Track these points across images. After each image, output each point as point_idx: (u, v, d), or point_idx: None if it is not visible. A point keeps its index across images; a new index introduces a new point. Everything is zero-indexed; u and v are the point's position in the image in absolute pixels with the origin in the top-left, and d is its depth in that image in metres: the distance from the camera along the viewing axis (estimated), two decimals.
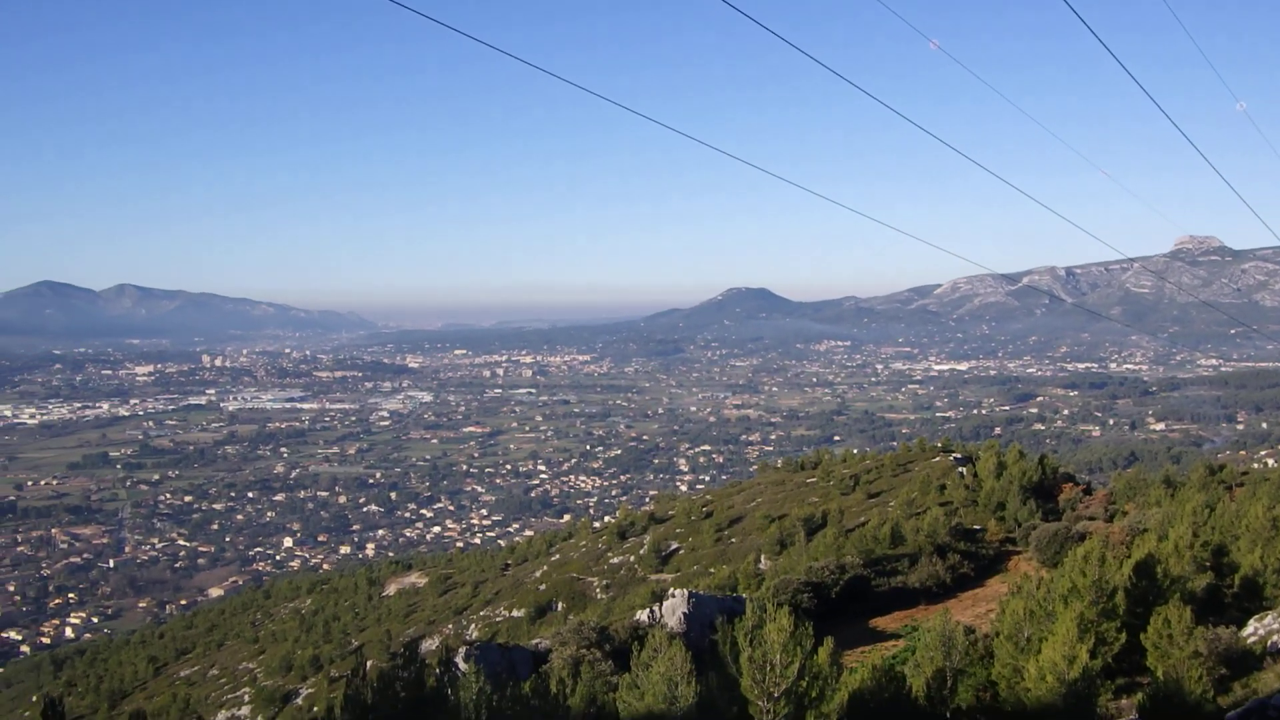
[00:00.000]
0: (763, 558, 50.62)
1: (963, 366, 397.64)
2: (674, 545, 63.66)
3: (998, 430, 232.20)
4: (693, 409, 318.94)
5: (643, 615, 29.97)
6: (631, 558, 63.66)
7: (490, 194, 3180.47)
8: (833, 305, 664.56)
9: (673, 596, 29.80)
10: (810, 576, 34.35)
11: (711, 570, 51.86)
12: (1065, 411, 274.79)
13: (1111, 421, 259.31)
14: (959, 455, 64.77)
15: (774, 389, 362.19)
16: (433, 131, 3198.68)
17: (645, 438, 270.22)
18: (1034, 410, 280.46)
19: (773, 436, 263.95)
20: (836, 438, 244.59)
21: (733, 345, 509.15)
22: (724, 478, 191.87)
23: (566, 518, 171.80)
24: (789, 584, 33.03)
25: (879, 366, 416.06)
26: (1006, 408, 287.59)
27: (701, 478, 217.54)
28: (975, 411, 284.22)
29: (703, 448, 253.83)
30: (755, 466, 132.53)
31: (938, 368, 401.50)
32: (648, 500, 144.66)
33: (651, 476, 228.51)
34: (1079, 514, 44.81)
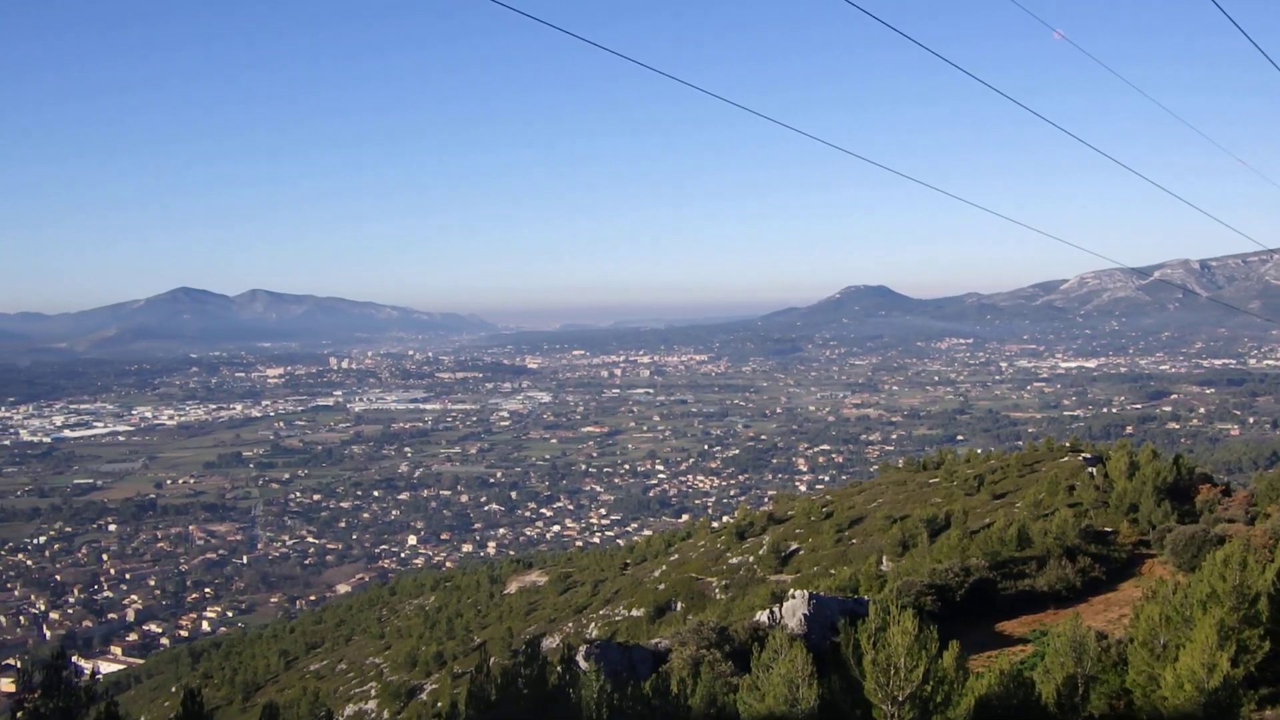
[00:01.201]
0: (884, 559, 49.85)
1: (1091, 364, 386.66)
2: (793, 546, 63.10)
3: (1129, 429, 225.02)
4: (811, 408, 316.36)
5: (762, 616, 29.77)
6: (750, 558, 63.25)
7: (609, 194, 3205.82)
8: (954, 302, 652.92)
9: (793, 597, 29.54)
10: (934, 579, 33.71)
11: (832, 571, 51.22)
12: (1201, 410, 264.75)
13: (1251, 420, 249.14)
14: (1088, 455, 62.78)
15: (894, 388, 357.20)
16: (551, 133, 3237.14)
17: (763, 437, 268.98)
18: (1167, 409, 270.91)
19: (893, 436, 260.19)
20: (959, 437, 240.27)
21: (851, 343, 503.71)
22: (844, 478, 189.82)
23: (685, 517, 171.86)
24: (912, 586, 32.47)
25: (1003, 364, 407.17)
26: (1138, 406, 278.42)
27: (821, 478, 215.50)
28: (1105, 410, 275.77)
29: (822, 447, 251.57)
30: (876, 466, 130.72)
31: (1065, 365, 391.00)
32: (766, 500, 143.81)
33: (770, 476, 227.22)
34: (1217, 516, 43.07)
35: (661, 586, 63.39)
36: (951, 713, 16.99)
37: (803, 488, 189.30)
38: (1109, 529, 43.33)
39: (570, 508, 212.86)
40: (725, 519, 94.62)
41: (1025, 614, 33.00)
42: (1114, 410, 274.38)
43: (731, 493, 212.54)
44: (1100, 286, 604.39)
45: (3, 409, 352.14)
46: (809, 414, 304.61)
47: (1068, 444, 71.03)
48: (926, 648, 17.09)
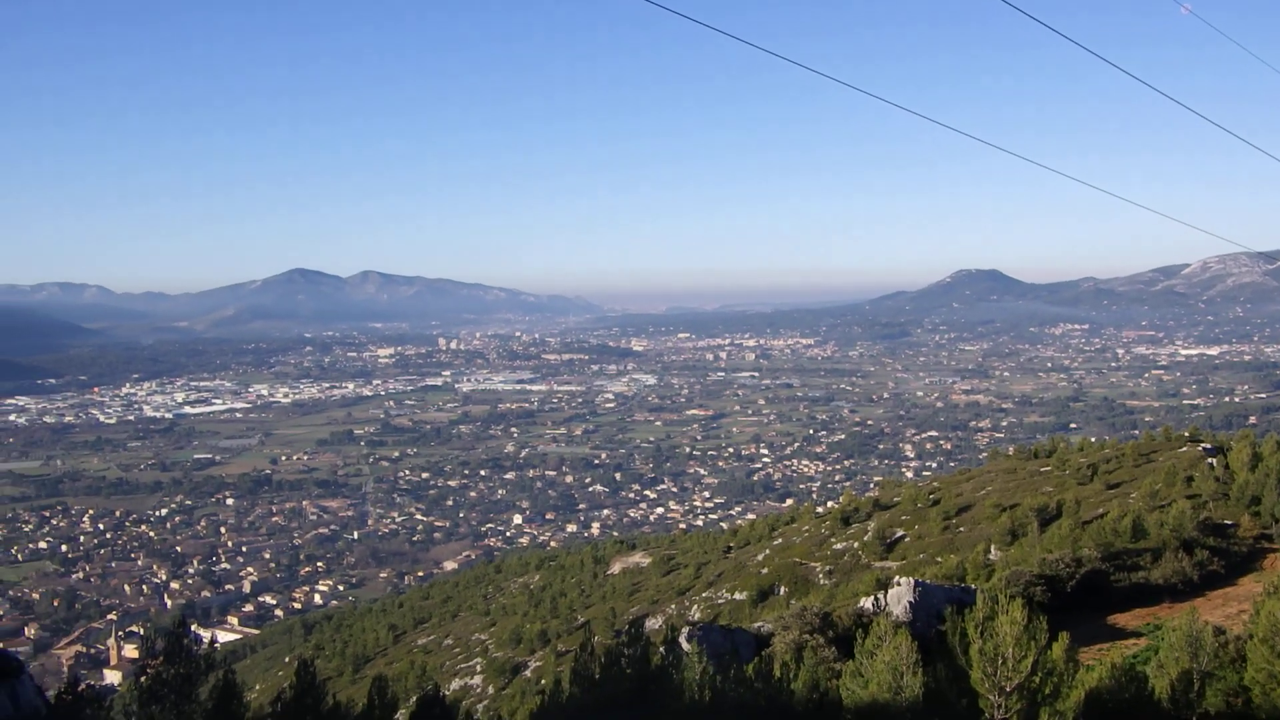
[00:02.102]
0: (992, 548, 49.01)
1: (1213, 351, 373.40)
2: (899, 532, 62.37)
3: (1252, 419, 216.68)
4: (919, 394, 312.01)
5: (867, 603, 29.56)
6: (855, 544, 62.69)
7: (714, 178, 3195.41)
8: (1069, 286, 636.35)
9: (898, 584, 29.27)
10: (1044, 569, 33.08)
11: (938, 559, 50.58)
12: None
13: None
14: (1208, 445, 60.83)
15: (1005, 374, 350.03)
16: (657, 117, 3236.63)
17: (870, 422, 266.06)
18: None
19: (1004, 423, 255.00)
20: (1073, 425, 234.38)
21: (961, 329, 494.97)
22: (951, 465, 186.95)
23: (789, 502, 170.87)
24: (1021, 576, 31.91)
25: (1120, 351, 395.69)
26: (1263, 395, 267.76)
27: (928, 464, 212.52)
28: (1227, 399, 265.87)
29: (929, 433, 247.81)
30: (985, 454, 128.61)
31: (1185, 352, 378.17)
32: (872, 486, 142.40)
33: (876, 462, 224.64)
34: None
35: (765, 570, 63.27)
36: (1060, 705, 16.68)
37: (909, 474, 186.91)
38: (1229, 522, 42.01)
39: (674, 490, 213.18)
40: (830, 504, 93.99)
41: (1138, 607, 32.20)
42: (1236, 400, 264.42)
43: (836, 478, 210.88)
44: (1224, 271, 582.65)
45: (128, 385, 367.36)
46: (917, 399, 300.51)
47: (1187, 434, 68.99)
48: (1035, 638, 16.83)
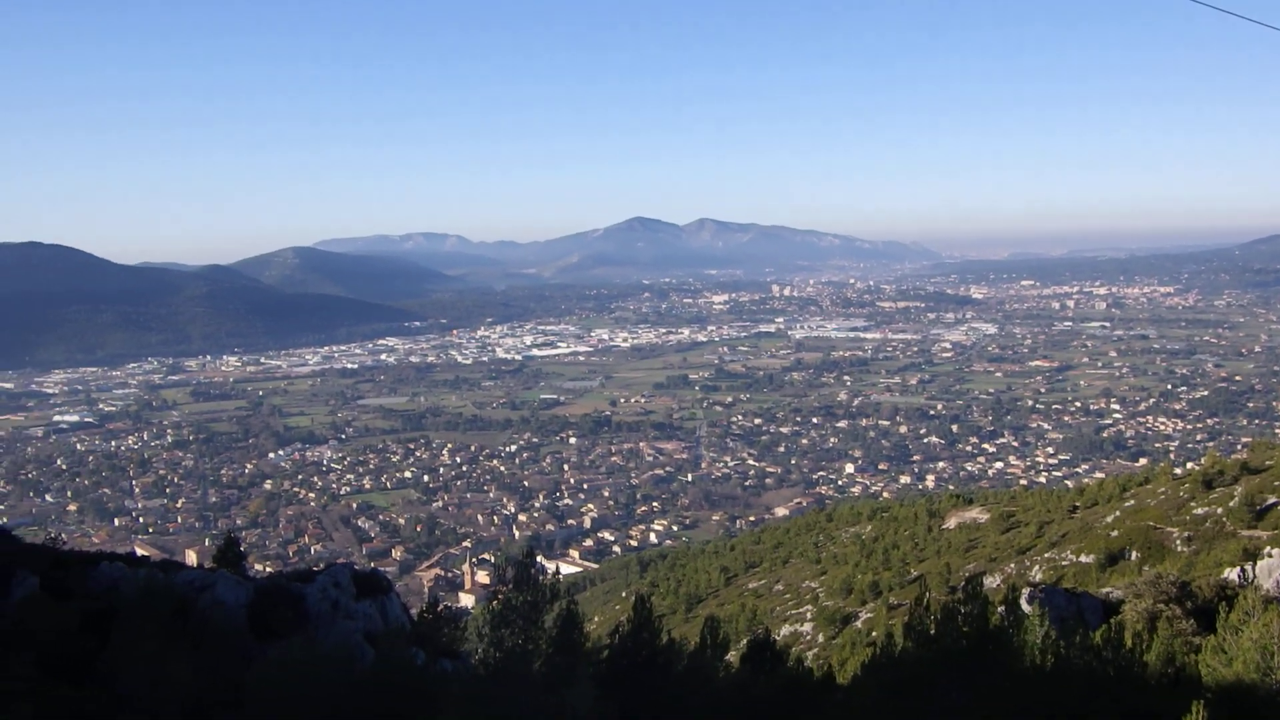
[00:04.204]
0: None
1: None
2: (1271, 500, 56.92)
3: None
4: None
5: (1231, 574, 27.24)
6: (1219, 509, 57.79)
7: (1063, 111, 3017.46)
8: None
9: (1269, 556, 26.79)
10: None
11: None
12: None
13: None
14: None
15: None
16: (995, 52, 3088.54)
17: (1238, 378, 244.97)
18: None
19: None
20: None
21: None
22: None
23: (1142, 461, 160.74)
24: None
25: None
26: None
27: None
28: None
29: None
30: None
31: None
32: (1240, 447, 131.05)
33: (1244, 421, 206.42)
34: None
35: (1114, 533, 59.63)
36: None
37: None
38: None
39: (1014, 444, 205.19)
40: (1190, 465, 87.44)
41: None
42: None
43: (1197, 437, 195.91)
44: None
45: (482, 328, 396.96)
46: None
47: None
48: None
